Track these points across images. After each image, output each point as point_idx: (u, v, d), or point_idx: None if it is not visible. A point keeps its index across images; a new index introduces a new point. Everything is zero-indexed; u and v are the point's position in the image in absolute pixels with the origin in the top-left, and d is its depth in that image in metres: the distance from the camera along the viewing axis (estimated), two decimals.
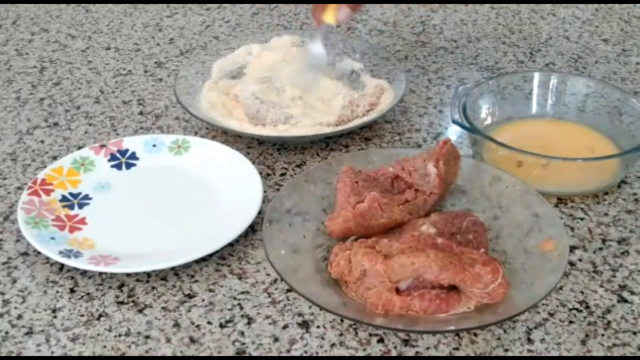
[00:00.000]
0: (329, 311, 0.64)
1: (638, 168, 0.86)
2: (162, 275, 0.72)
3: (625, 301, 0.69)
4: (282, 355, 0.64)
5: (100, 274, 0.72)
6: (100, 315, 0.68)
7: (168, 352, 0.65)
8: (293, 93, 0.92)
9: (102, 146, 0.86)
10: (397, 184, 0.76)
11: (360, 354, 0.65)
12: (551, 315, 0.68)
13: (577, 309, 0.68)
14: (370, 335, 0.66)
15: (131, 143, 0.87)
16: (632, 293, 0.70)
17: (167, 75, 1.06)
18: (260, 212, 0.76)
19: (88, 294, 0.70)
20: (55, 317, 0.68)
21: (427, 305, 0.64)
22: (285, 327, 0.67)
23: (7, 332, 0.67)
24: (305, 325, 0.67)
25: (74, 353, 0.65)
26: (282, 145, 0.90)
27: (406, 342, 0.65)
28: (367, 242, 0.68)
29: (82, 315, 0.68)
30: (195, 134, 0.93)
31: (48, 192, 0.80)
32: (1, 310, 0.69)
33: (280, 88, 0.92)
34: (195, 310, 0.69)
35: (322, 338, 0.66)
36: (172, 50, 1.13)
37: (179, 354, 0.65)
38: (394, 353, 0.65)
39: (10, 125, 0.95)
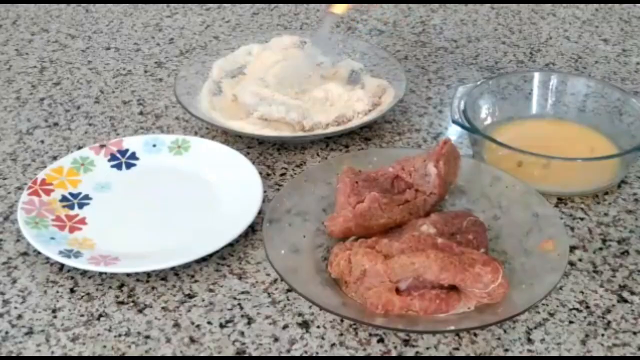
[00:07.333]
0: (329, 311, 0.64)
1: (638, 168, 0.86)
2: (162, 275, 0.72)
3: (625, 301, 0.69)
4: (282, 355, 0.64)
5: (100, 274, 0.72)
6: (100, 315, 0.68)
7: (168, 352, 0.65)
8: (293, 91, 0.92)
9: (102, 146, 0.86)
10: (397, 184, 0.76)
11: (360, 354, 0.64)
12: (551, 315, 0.68)
13: (577, 309, 0.68)
14: (370, 335, 0.66)
15: (131, 143, 0.87)
16: (632, 293, 0.70)
17: (167, 75, 1.06)
18: (260, 212, 0.76)
19: (88, 294, 0.70)
20: (55, 317, 0.68)
21: (427, 305, 0.64)
22: (285, 327, 0.67)
23: (7, 332, 0.67)
24: (305, 325, 0.67)
25: (74, 353, 0.65)
26: (282, 145, 0.90)
27: (406, 342, 0.65)
28: (367, 242, 0.68)
29: (82, 315, 0.68)
30: (195, 134, 0.92)
31: (48, 192, 0.80)
32: (1, 310, 0.69)
33: (279, 86, 0.92)
34: (195, 310, 0.69)
35: (322, 338, 0.66)
36: (172, 50, 1.13)
37: (179, 354, 0.65)
38: (394, 353, 0.65)
39: (10, 125, 0.95)
